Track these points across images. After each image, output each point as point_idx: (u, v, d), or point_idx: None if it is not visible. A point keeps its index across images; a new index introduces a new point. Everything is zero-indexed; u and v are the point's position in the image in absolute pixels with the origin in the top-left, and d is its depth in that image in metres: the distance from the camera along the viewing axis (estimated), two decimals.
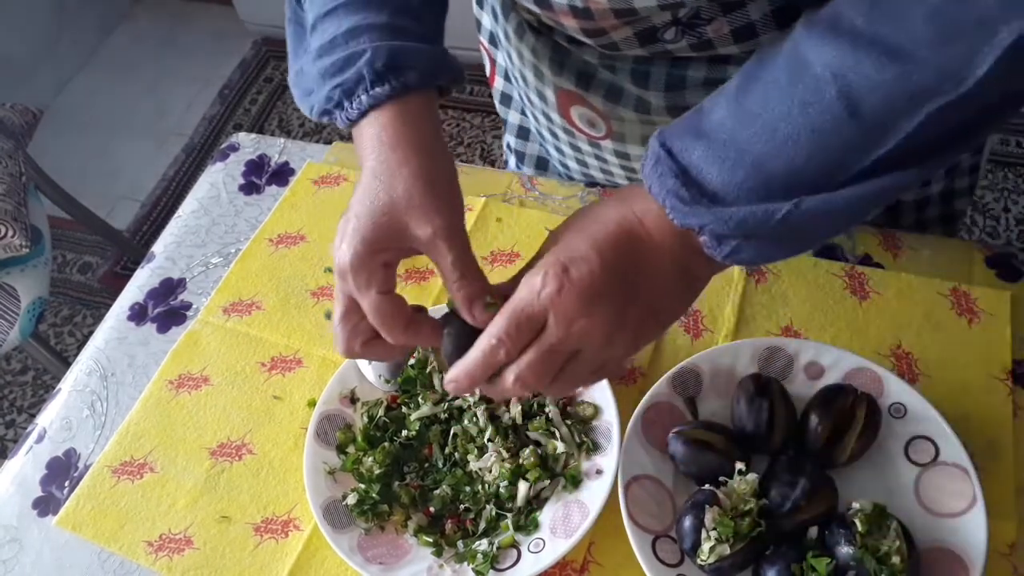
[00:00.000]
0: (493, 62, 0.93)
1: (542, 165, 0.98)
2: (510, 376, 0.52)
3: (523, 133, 0.96)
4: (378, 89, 0.55)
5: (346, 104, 0.56)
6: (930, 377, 0.73)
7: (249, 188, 0.99)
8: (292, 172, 0.99)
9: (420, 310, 0.57)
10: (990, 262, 0.79)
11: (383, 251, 0.54)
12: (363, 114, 0.56)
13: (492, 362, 0.52)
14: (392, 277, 0.55)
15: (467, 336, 0.54)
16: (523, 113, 0.94)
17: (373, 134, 0.56)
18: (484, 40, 0.92)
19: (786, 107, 0.47)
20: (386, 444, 0.72)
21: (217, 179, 1.00)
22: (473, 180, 0.94)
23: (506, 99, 0.95)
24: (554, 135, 0.86)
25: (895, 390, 0.68)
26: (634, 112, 0.73)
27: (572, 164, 0.90)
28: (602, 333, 0.52)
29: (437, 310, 0.76)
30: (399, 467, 0.72)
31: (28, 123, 1.68)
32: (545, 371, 0.52)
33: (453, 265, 0.54)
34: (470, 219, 0.89)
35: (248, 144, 1.03)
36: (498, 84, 0.94)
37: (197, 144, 2.51)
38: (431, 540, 0.68)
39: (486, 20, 0.89)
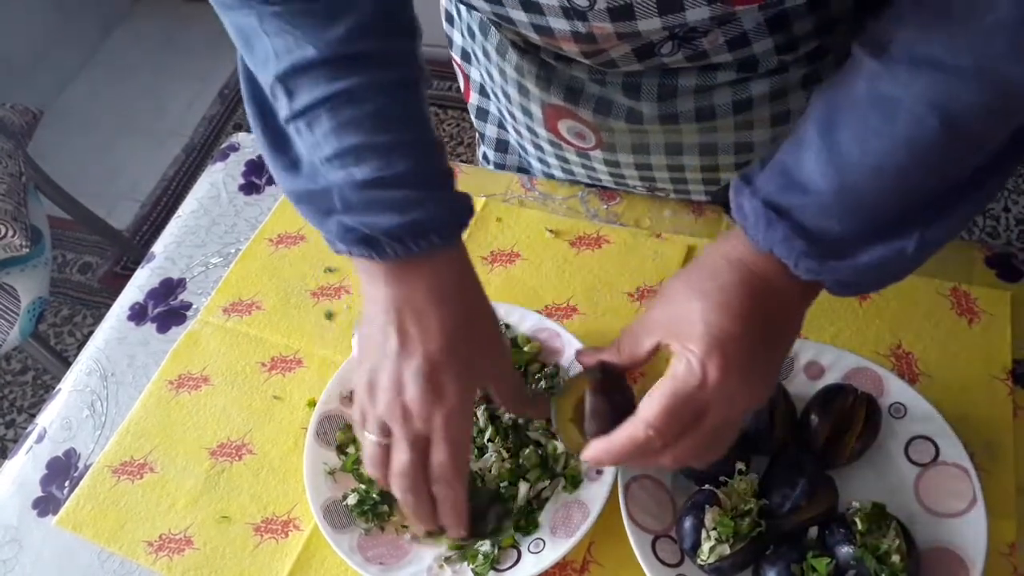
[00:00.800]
0: (467, 78, 0.92)
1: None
2: (667, 460, 0.54)
3: (501, 146, 0.96)
4: (448, 234, 0.58)
5: (408, 240, 0.57)
6: (930, 377, 0.73)
7: (249, 188, 0.99)
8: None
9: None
10: (990, 262, 0.79)
11: (471, 402, 0.61)
12: (423, 253, 0.57)
13: (645, 449, 0.54)
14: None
15: (609, 412, 0.58)
16: (501, 127, 0.94)
17: (448, 279, 0.59)
18: (456, 56, 0.91)
19: (889, 146, 0.48)
20: None
21: (217, 179, 1.00)
22: (473, 180, 0.94)
23: (482, 113, 0.94)
24: (539, 147, 0.86)
25: (895, 390, 0.68)
26: (625, 123, 0.73)
27: (558, 173, 0.90)
28: (756, 398, 0.55)
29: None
30: None
31: (28, 123, 1.68)
32: (706, 450, 0.55)
33: (520, 388, 0.66)
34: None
35: (248, 144, 1.03)
36: (473, 99, 0.94)
37: (197, 144, 2.51)
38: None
39: (457, 37, 0.88)
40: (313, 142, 0.57)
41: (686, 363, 0.52)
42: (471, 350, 0.59)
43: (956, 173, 0.51)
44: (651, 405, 0.52)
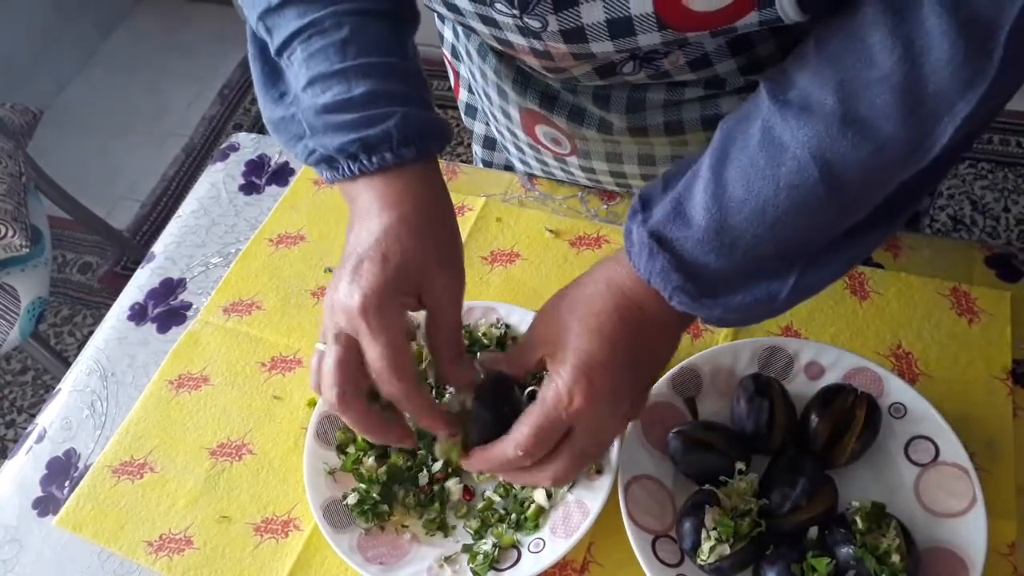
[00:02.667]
0: (457, 74, 0.93)
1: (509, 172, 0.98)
2: (545, 479, 0.58)
3: (489, 143, 0.97)
4: (403, 150, 0.57)
5: (363, 157, 0.57)
6: (930, 377, 0.73)
7: (249, 188, 0.99)
8: (292, 172, 0.99)
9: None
10: (990, 262, 0.79)
11: (405, 293, 0.56)
12: (380, 170, 0.57)
13: (516, 465, 0.57)
14: (405, 321, 0.57)
15: (492, 422, 0.59)
16: (488, 124, 0.94)
17: (397, 189, 0.58)
18: (447, 53, 0.92)
19: (771, 190, 0.49)
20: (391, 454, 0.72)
21: (217, 179, 1.00)
22: (473, 180, 0.94)
23: (471, 110, 0.95)
24: (520, 149, 0.87)
25: (895, 390, 0.68)
26: (597, 132, 0.74)
27: (540, 174, 0.91)
28: (623, 419, 0.59)
29: None
30: (401, 472, 0.72)
31: (28, 123, 1.68)
32: (577, 469, 0.58)
33: (449, 324, 0.59)
34: (470, 219, 0.89)
35: (248, 144, 1.03)
36: (463, 96, 0.95)
37: (197, 144, 2.51)
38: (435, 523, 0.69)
39: (448, 34, 0.89)
40: (293, 74, 0.60)
41: (554, 389, 0.54)
42: (406, 251, 0.55)
43: (835, 225, 0.52)
44: (521, 427, 0.56)
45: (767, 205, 0.49)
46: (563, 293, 0.59)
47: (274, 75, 0.63)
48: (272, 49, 0.61)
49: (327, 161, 0.58)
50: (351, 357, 0.55)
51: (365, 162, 0.57)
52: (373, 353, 0.54)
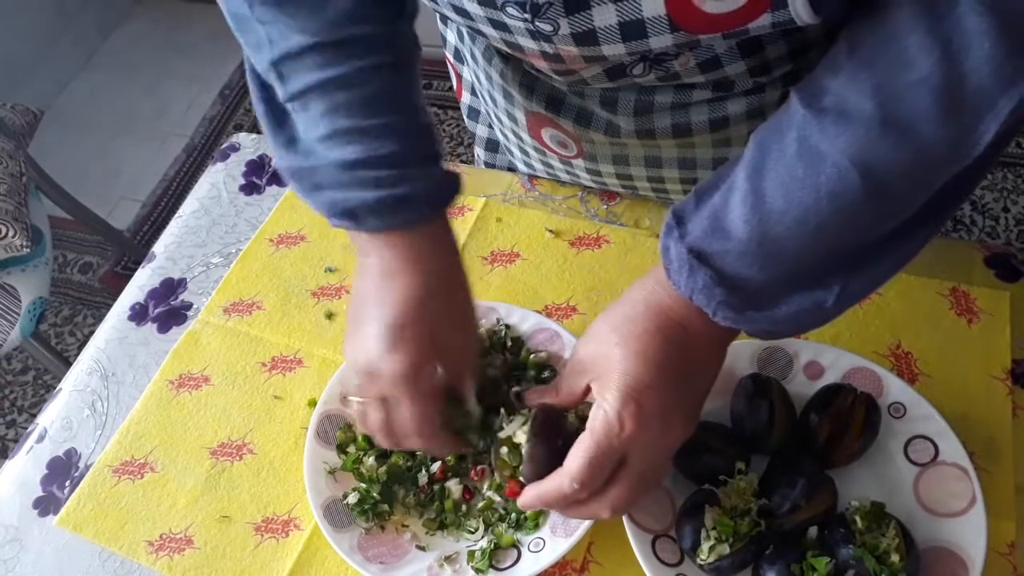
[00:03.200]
0: (459, 77, 0.93)
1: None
2: (604, 510, 0.56)
3: (492, 146, 0.97)
4: (427, 210, 0.60)
5: (387, 214, 0.59)
6: (930, 377, 0.73)
7: (250, 188, 0.99)
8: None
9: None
10: (989, 262, 0.79)
11: (434, 361, 0.60)
12: (405, 227, 0.59)
13: (572, 500, 0.56)
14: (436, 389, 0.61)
15: (545, 456, 0.59)
16: (491, 127, 0.94)
17: (423, 249, 0.60)
18: (449, 55, 0.92)
19: (812, 199, 0.49)
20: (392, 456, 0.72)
21: (218, 179, 1.00)
22: (473, 180, 0.94)
23: (474, 113, 0.95)
24: (525, 152, 0.87)
25: (895, 390, 0.68)
26: (604, 135, 0.74)
27: (544, 177, 0.91)
28: (677, 438, 0.57)
29: None
30: (401, 472, 0.72)
31: (29, 123, 1.68)
32: (637, 495, 0.57)
33: (475, 379, 0.63)
34: (470, 219, 0.89)
35: (249, 144, 1.03)
36: (465, 99, 0.95)
37: (198, 144, 2.51)
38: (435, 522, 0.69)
39: (451, 36, 0.89)
40: (307, 122, 0.60)
41: (603, 415, 0.54)
42: (434, 316, 0.59)
43: (878, 229, 0.51)
44: (574, 459, 0.55)
45: (808, 214, 0.49)
46: (604, 317, 0.58)
47: (279, 118, 0.62)
48: (282, 95, 0.60)
49: (350, 215, 0.59)
50: (389, 417, 0.61)
51: (390, 219, 0.59)
52: (406, 416, 0.60)
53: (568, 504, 0.57)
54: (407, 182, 0.58)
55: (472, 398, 0.65)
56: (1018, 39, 0.43)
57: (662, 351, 0.54)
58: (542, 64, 0.64)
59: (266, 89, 0.62)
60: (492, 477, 0.69)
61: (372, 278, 0.61)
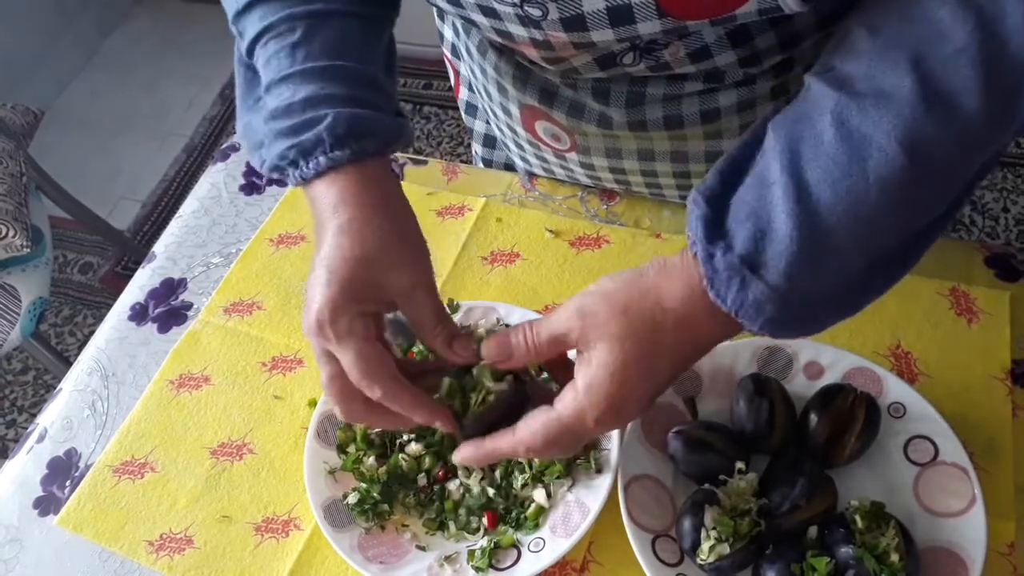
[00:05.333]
0: (457, 73, 0.93)
1: (510, 171, 0.98)
2: (521, 451, 0.55)
3: (489, 141, 0.97)
4: (337, 152, 0.56)
5: (301, 163, 0.57)
6: (929, 377, 0.73)
7: (250, 188, 0.99)
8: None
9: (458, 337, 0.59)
10: (989, 262, 0.79)
11: (360, 301, 0.55)
12: (319, 175, 0.57)
13: (513, 456, 0.56)
14: (371, 326, 0.55)
15: (488, 415, 0.57)
16: (488, 122, 0.94)
17: (335, 195, 0.57)
18: (447, 52, 0.92)
19: (862, 186, 0.46)
20: (390, 456, 0.72)
21: (218, 179, 1.00)
22: (473, 180, 0.94)
23: (471, 109, 0.95)
24: (520, 147, 0.87)
25: (894, 390, 0.68)
26: (597, 127, 0.74)
27: (539, 172, 0.91)
28: (630, 419, 0.57)
29: None
30: (402, 472, 0.72)
31: (29, 123, 1.68)
32: (571, 452, 0.57)
33: (432, 314, 0.56)
34: (470, 219, 0.89)
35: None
36: (463, 94, 0.95)
37: (198, 144, 2.51)
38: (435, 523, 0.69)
39: (448, 32, 0.89)
40: (261, 78, 0.61)
41: (577, 408, 0.52)
42: (352, 258, 0.55)
43: (921, 219, 0.49)
44: (533, 434, 0.54)
45: (859, 204, 0.46)
46: (610, 297, 0.53)
47: (254, 80, 0.63)
48: (243, 52, 0.62)
49: (277, 170, 0.58)
50: (339, 370, 0.55)
51: (305, 168, 0.57)
52: (345, 365, 0.55)
53: (503, 459, 0.59)
54: (315, 126, 0.56)
55: (444, 328, 0.58)
56: None
57: (661, 358, 0.52)
58: (533, 52, 0.63)
59: (240, 52, 0.64)
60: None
61: (315, 233, 0.59)
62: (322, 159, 0.56)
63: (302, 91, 0.57)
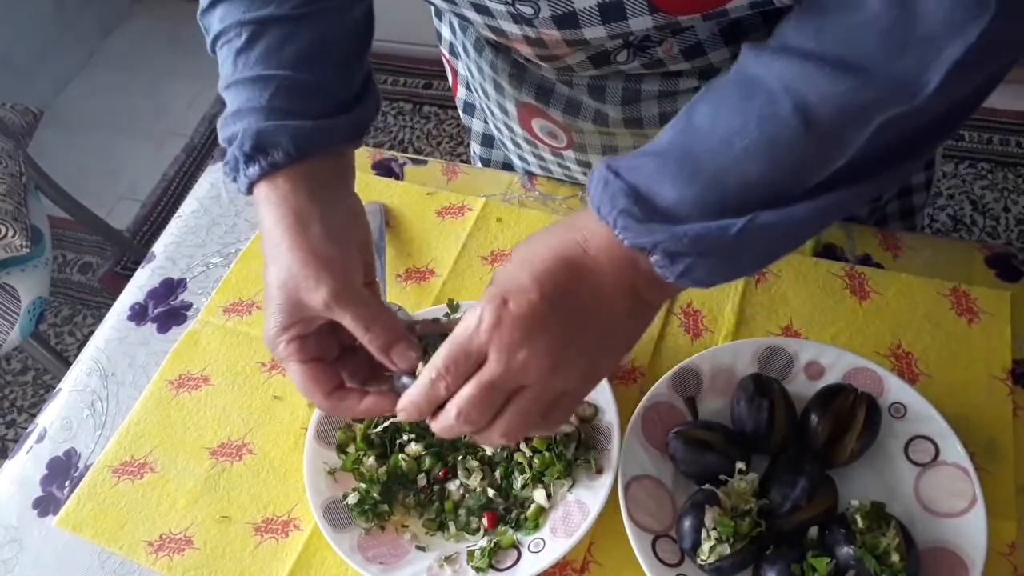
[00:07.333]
0: (455, 72, 0.93)
1: (508, 171, 0.98)
2: (452, 410, 0.52)
3: (487, 141, 0.97)
4: (251, 169, 0.58)
5: (235, 181, 0.60)
6: (930, 377, 0.73)
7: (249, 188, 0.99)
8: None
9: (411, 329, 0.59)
10: (990, 262, 0.79)
11: (292, 326, 0.57)
12: (249, 191, 0.60)
13: (434, 395, 0.52)
14: (308, 348, 0.58)
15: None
16: (486, 121, 0.95)
17: (260, 214, 0.59)
18: (445, 51, 0.92)
19: (740, 121, 0.47)
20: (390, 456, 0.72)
21: (218, 179, 1.00)
22: (473, 180, 0.94)
23: (469, 108, 0.95)
24: (517, 145, 0.87)
25: (895, 390, 0.68)
26: (593, 124, 0.74)
27: (537, 171, 0.91)
28: (545, 366, 0.51)
29: (437, 310, 0.77)
30: (401, 473, 0.72)
31: (28, 123, 1.68)
32: (486, 406, 0.51)
33: (355, 323, 0.56)
34: (470, 219, 0.89)
35: None
36: (461, 93, 0.95)
37: (197, 144, 2.51)
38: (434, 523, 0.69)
39: (445, 31, 0.89)
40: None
41: (473, 309, 0.51)
42: (282, 291, 0.56)
43: (811, 165, 0.49)
44: (437, 354, 0.52)
45: (734, 136, 0.47)
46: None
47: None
48: (208, 50, 0.64)
49: (233, 166, 0.60)
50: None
51: (240, 186, 0.60)
52: (294, 380, 0.58)
53: (432, 402, 0.52)
54: (232, 144, 0.58)
55: (383, 332, 0.57)
56: None
57: (550, 267, 0.51)
58: (527, 50, 0.64)
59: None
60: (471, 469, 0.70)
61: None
62: (241, 177, 0.59)
63: (234, 102, 0.60)
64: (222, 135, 0.60)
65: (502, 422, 0.52)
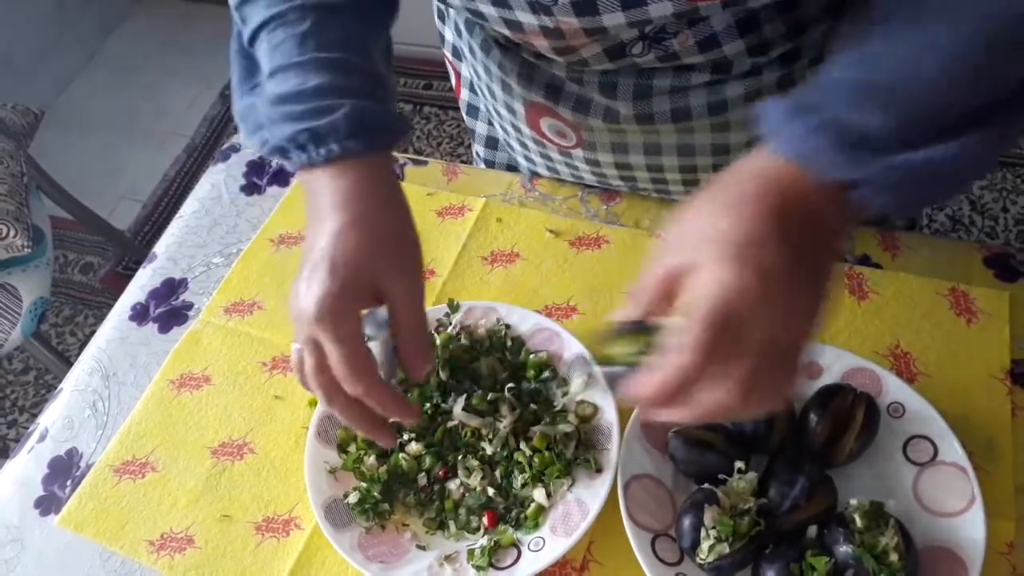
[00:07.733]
0: (458, 74, 0.93)
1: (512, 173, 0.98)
2: (732, 395, 0.45)
3: (491, 143, 0.97)
4: (350, 142, 0.57)
5: (311, 147, 0.57)
6: (929, 377, 0.73)
7: (250, 188, 0.99)
8: (293, 172, 0.99)
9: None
10: (988, 262, 0.79)
11: (359, 300, 0.56)
12: (328, 162, 0.57)
13: (685, 381, 0.45)
14: (361, 326, 0.57)
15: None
16: (490, 124, 0.95)
17: (344, 187, 0.57)
18: (448, 53, 0.92)
19: (924, 40, 0.45)
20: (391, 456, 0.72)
21: (218, 179, 1.01)
22: (473, 180, 0.94)
23: (472, 110, 0.96)
24: (524, 145, 0.87)
25: (894, 389, 0.68)
26: (603, 122, 0.74)
27: (544, 171, 0.91)
28: (806, 309, 0.46)
29: (437, 310, 0.77)
30: (402, 472, 0.72)
31: (29, 123, 1.68)
32: (765, 372, 0.45)
33: (417, 324, 0.58)
34: (470, 219, 0.90)
35: (250, 145, 1.03)
36: (464, 96, 0.95)
37: (198, 144, 2.51)
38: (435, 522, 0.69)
39: (449, 34, 0.89)
40: (262, 63, 0.62)
41: (713, 275, 0.45)
42: (360, 256, 0.55)
43: (997, 80, 0.46)
44: (688, 332, 0.45)
45: (923, 51, 0.45)
46: (690, 207, 0.49)
47: (252, 67, 0.64)
48: (245, 39, 0.63)
49: (280, 151, 0.59)
50: (326, 362, 0.56)
51: (313, 153, 0.57)
52: (333, 359, 0.55)
53: (679, 390, 0.46)
54: (330, 113, 0.57)
55: (420, 341, 0.59)
56: None
57: (769, 211, 0.46)
58: (542, 43, 0.63)
59: (240, 38, 0.65)
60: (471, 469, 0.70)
61: (308, 223, 0.59)
62: (335, 146, 0.57)
63: (313, 79, 0.58)
64: (295, 107, 0.58)
65: (756, 400, 0.46)
